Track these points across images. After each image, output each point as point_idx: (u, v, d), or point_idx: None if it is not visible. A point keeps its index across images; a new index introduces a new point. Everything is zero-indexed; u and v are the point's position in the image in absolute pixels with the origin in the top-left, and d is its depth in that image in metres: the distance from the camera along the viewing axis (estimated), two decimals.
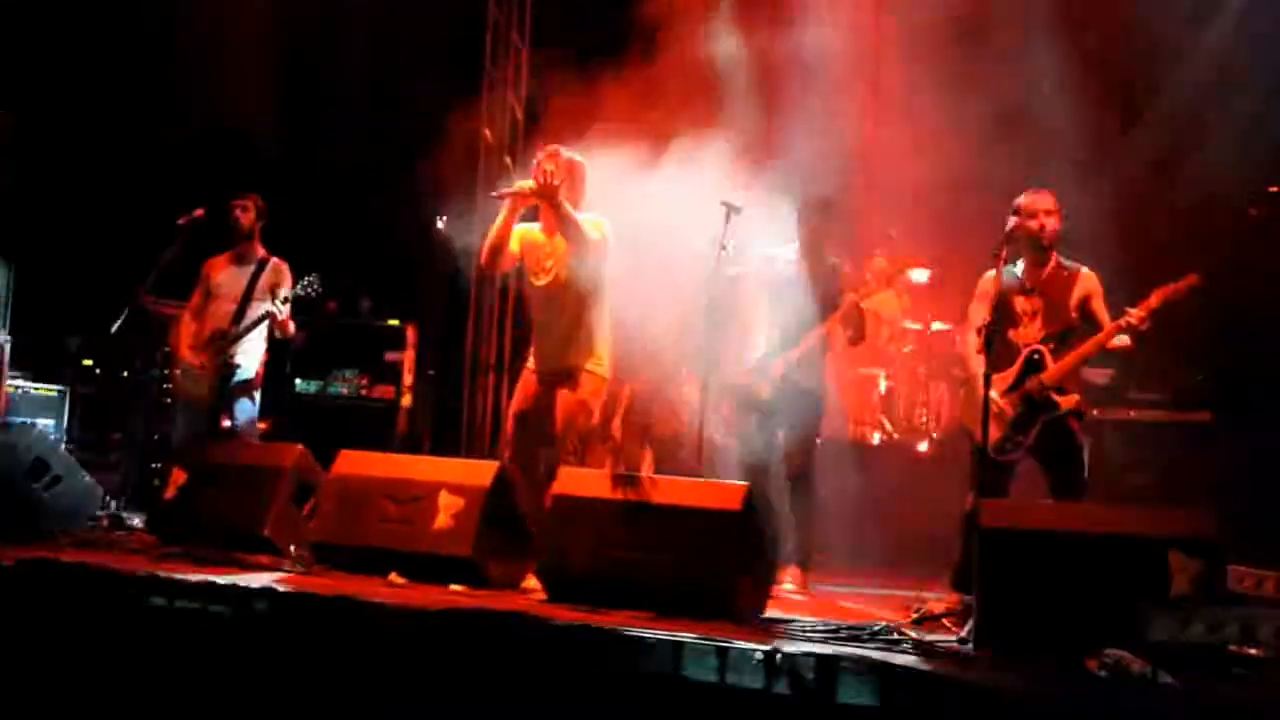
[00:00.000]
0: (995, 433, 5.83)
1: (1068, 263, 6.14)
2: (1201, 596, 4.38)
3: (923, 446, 9.43)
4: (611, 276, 6.31)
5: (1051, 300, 6.09)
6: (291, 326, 7.69)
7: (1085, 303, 6.05)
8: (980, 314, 6.02)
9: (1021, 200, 6.13)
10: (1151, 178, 8.78)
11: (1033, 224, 6.05)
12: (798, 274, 6.84)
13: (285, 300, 7.48)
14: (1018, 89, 8.51)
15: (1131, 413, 8.76)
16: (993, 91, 8.51)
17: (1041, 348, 6.03)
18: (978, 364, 5.87)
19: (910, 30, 8.90)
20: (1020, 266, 6.18)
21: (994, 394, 5.73)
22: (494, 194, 6.18)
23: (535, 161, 6.26)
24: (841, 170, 8.16)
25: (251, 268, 7.74)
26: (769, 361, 6.76)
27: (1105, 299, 6.07)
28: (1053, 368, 5.98)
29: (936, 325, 9.82)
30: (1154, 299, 5.82)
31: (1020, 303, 6.14)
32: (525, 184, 6.19)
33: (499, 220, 6.22)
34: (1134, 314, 5.79)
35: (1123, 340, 5.89)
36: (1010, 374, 6.05)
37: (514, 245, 6.31)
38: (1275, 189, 8.80)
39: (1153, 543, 4.50)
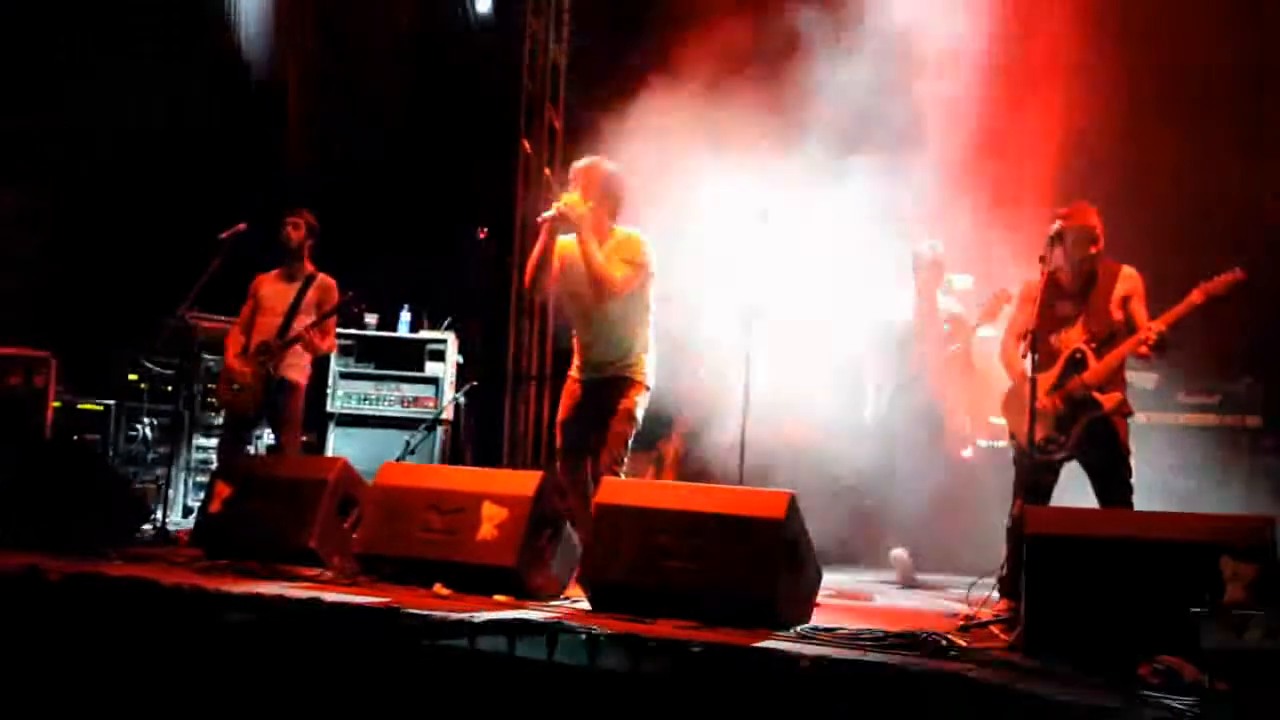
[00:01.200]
0: (1039, 433, 5.79)
1: (1109, 262, 6.10)
2: (1256, 602, 4.31)
3: (967, 452, 9.35)
4: (656, 291, 6.33)
5: (1093, 302, 6.06)
6: (325, 345, 7.74)
7: (1126, 302, 6.02)
8: (1023, 318, 6.01)
9: (1066, 208, 6.10)
10: (1199, 182, 8.68)
11: (1077, 225, 6.01)
12: (914, 322, 7.71)
13: (317, 323, 7.55)
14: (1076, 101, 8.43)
15: (1181, 417, 8.67)
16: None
17: (1084, 347, 5.99)
18: (1022, 366, 5.85)
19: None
20: (1064, 270, 6.14)
21: (1039, 394, 5.70)
22: (538, 219, 6.20)
23: (570, 180, 6.28)
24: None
25: (299, 283, 7.82)
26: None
27: (1149, 299, 6.02)
28: (1094, 367, 5.94)
29: (983, 332, 9.74)
30: (1196, 295, 5.79)
31: (1063, 306, 6.12)
32: (569, 204, 6.16)
33: (539, 244, 6.24)
34: (1153, 327, 5.77)
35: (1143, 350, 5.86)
36: (1053, 374, 6.02)
37: (555, 259, 6.32)
38: None
39: (1205, 548, 4.43)
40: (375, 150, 11.15)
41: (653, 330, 6.40)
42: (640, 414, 6.32)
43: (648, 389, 6.34)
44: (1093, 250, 6.06)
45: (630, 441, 6.25)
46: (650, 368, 6.34)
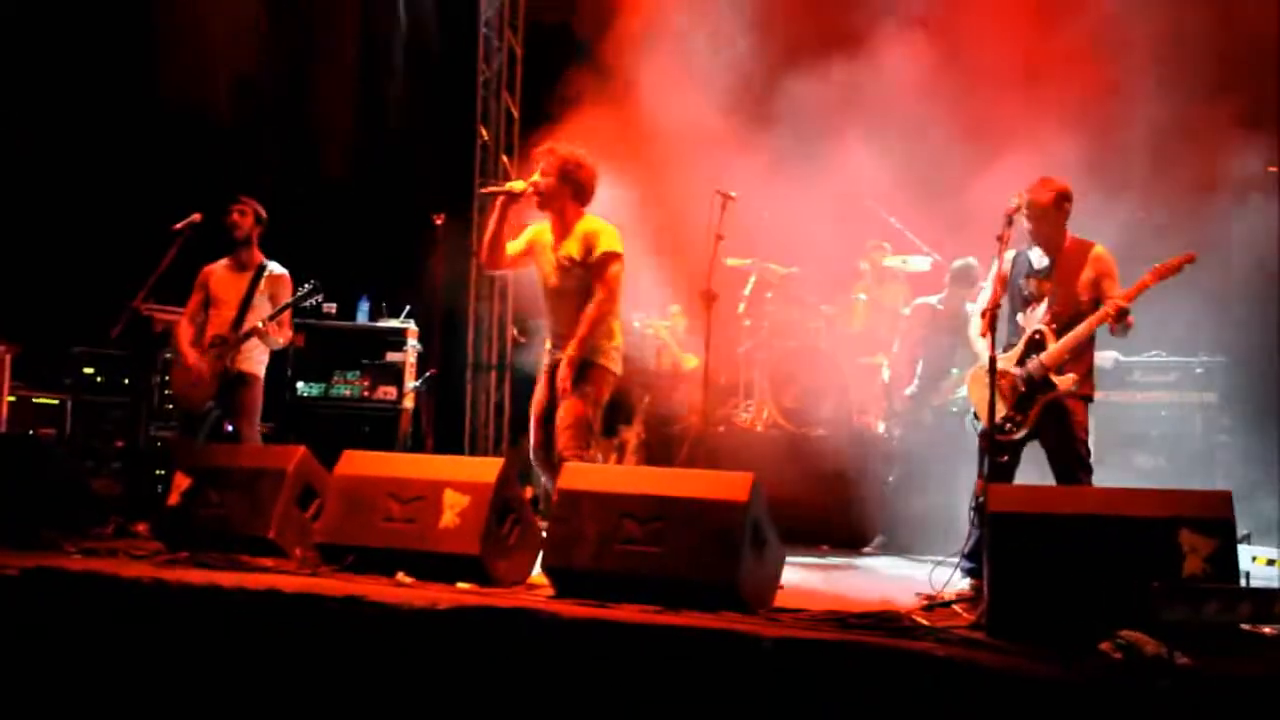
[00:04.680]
0: (999, 412, 5.82)
1: (1080, 241, 6.09)
2: (1215, 576, 4.35)
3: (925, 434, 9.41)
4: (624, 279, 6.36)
5: (1060, 282, 6.05)
6: (282, 338, 7.66)
7: (1096, 283, 6.01)
8: (988, 296, 6.01)
9: (1030, 184, 6.10)
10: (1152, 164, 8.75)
11: (1041, 200, 6.02)
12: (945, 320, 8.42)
13: (273, 317, 7.48)
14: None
15: (1138, 395, 8.75)
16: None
17: (1045, 328, 6.00)
18: (982, 346, 5.86)
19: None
20: (1034, 250, 6.15)
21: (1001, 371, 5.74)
22: (481, 189, 6.24)
23: (534, 161, 6.30)
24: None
25: (250, 273, 7.71)
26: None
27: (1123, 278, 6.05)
28: (1053, 348, 5.95)
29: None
30: (1149, 277, 5.84)
31: (1030, 285, 6.12)
32: (515, 184, 6.22)
33: (492, 219, 6.28)
34: (1112, 303, 5.81)
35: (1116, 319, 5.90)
36: (1015, 354, 6.04)
37: (521, 244, 6.40)
38: (1274, 169, 8.79)
39: (1165, 523, 4.47)
40: (331, 138, 11.06)
41: (619, 315, 6.42)
42: (604, 400, 6.33)
43: (615, 375, 6.34)
44: (1055, 226, 6.06)
45: (592, 427, 6.27)
46: (618, 355, 6.35)
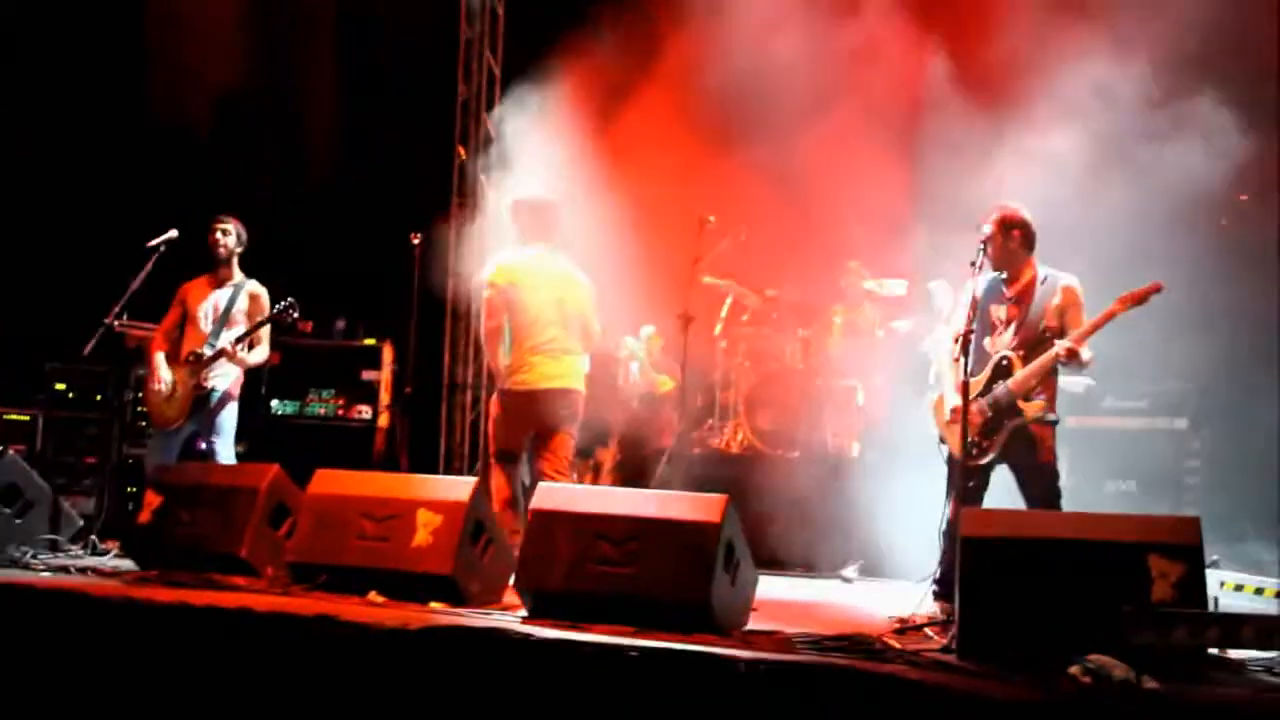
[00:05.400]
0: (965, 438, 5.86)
1: (1050, 271, 6.15)
2: (1183, 601, 4.38)
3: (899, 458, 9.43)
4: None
5: (1027, 309, 6.10)
6: (257, 358, 7.64)
7: (1063, 313, 6.06)
8: (956, 322, 6.05)
9: (993, 211, 6.16)
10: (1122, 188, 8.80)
11: (1004, 229, 6.08)
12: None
13: (244, 340, 7.47)
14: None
15: (1109, 421, 8.79)
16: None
17: (1011, 354, 6.04)
18: (952, 372, 5.90)
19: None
20: (1003, 276, 6.19)
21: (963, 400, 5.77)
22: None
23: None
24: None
25: (228, 291, 7.70)
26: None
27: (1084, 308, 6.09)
28: (1019, 375, 5.99)
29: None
30: (1116, 306, 5.88)
31: (997, 311, 6.16)
32: None
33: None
34: (1063, 347, 5.85)
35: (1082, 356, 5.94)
36: (981, 380, 6.07)
37: (504, 278, 6.83)
38: (1244, 198, 8.85)
39: (1134, 548, 4.50)
40: (308, 157, 11.05)
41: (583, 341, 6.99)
42: (578, 421, 6.70)
43: (582, 395, 6.82)
44: (1019, 254, 6.11)
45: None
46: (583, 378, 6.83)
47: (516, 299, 6.79)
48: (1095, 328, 5.90)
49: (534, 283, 6.85)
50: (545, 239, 6.98)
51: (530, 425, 6.85)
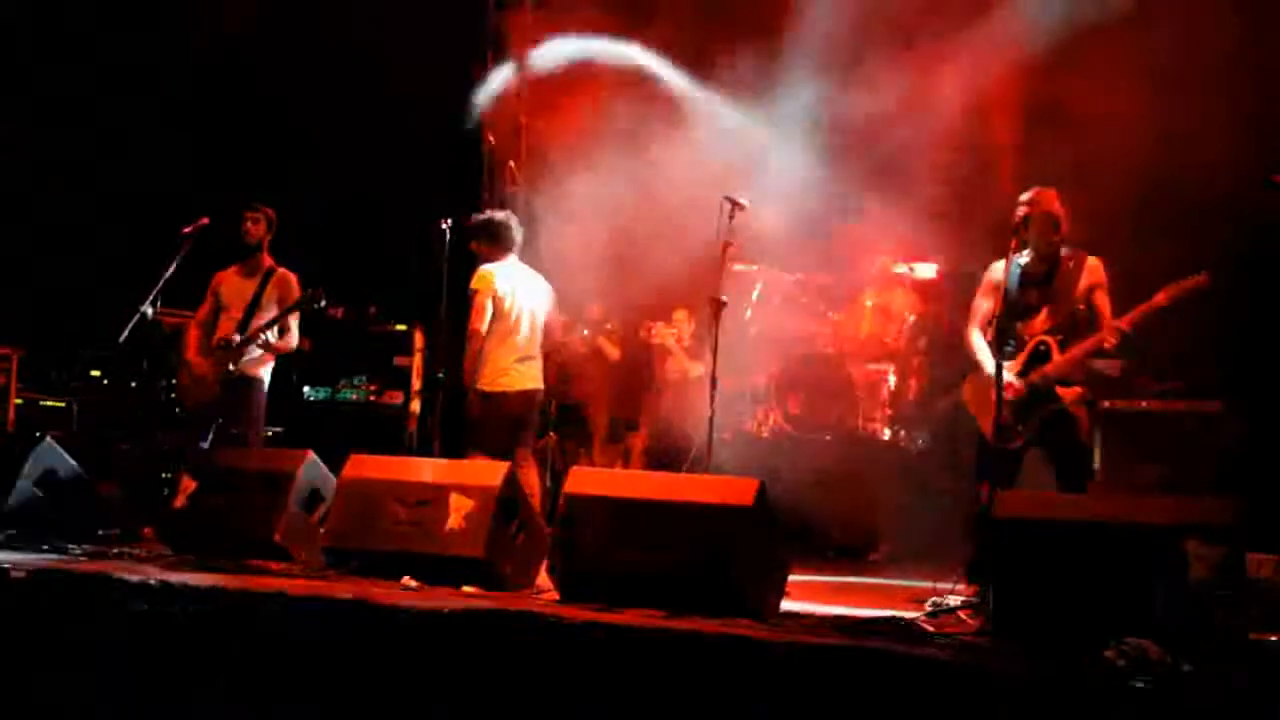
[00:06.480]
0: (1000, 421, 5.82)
1: (1074, 251, 6.12)
2: (1221, 584, 4.34)
3: (930, 441, 9.40)
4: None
5: (1058, 291, 6.07)
6: (288, 342, 7.68)
7: (1090, 293, 6.03)
8: (986, 306, 6.02)
9: (1029, 194, 6.12)
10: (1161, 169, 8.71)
11: (1041, 212, 6.03)
12: None
13: (273, 326, 7.52)
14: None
15: (1143, 404, 8.72)
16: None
17: (1049, 339, 6.01)
18: (985, 355, 5.87)
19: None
20: (1027, 258, 6.16)
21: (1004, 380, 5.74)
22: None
23: None
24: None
25: (259, 279, 7.75)
26: None
27: (1112, 290, 6.05)
28: (1057, 360, 5.95)
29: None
30: (1161, 297, 5.81)
31: (1028, 294, 6.13)
32: None
33: None
34: (1113, 331, 5.80)
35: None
36: (1017, 364, 6.03)
37: (491, 285, 7.45)
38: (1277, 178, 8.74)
39: (1171, 531, 4.47)
40: (340, 142, 11.06)
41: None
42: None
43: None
44: (1055, 237, 6.08)
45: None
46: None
47: (499, 306, 7.46)
48: (1141, 315, 5.84)
49: (514, 291, 7.53)
50: (509, 251, 7.63)
51: (513, 424, 7.51)
